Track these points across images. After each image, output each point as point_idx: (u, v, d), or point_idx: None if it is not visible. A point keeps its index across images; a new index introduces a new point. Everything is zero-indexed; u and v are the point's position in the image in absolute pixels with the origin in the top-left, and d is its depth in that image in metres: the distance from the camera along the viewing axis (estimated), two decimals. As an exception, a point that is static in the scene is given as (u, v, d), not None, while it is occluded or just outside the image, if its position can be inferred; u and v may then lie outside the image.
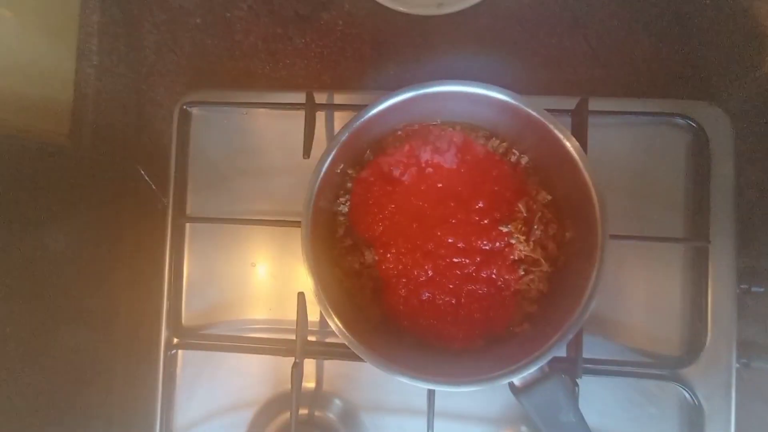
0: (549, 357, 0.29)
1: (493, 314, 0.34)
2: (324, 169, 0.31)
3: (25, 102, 0.39)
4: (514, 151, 0.36)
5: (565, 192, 0.34)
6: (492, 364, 0.30)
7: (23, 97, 0.39)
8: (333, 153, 0.31)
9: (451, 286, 0.34)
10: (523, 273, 0.34)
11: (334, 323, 0.31)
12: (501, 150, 0.36)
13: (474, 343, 0.34)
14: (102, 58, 0.45)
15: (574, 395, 0.31)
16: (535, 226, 0.34)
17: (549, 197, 0.35)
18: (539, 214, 0.35)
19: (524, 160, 0.36)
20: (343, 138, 0.31)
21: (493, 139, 0.36)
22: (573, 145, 0.31)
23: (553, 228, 0.35)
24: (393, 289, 0.34)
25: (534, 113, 0.31)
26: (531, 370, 0.29)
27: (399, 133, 0.37)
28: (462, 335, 0.33)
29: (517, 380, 0.30)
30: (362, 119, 0.31)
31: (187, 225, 0.42)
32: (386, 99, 0.31)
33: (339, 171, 0.35)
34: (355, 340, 0.30)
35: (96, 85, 0.44)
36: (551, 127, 0.31)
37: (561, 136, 0.31)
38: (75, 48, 0.44)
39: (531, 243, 0.34)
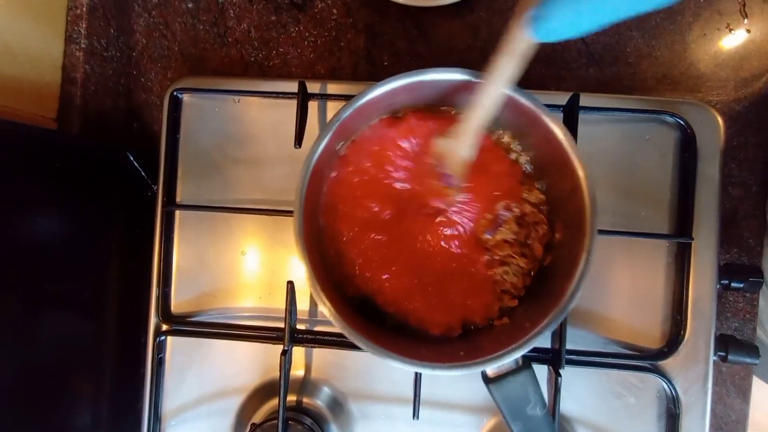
0: (524, 350, 0.30)
1: (470, 302, 0.35)
2: (319, 151, 0.31)
3: (11, 85, 0.39)
4: (514, 148, 0.36)
5: (559, 192, 0.34)
6: (470, 352, 0.31)
7: (10, 79, 0.39)
8: (328, 136, 0.31)
9: (434, 272, 0.34)
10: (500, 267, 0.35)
11: (325, 305, 0.31)
12: (505, 142, 0.36)
13: (452, 329, 0.34)
14: (91, 41, 0.44)
15: (541, 390, 0.32)
16: (509, 228, 0.35)
17: (542, 197, 0.36)
18: (526, 215, 0.35)
19: (523, 159, 0.36)
20: (341, 119, 0.31)
21: (498, 131, 0.36)
22: (569, 143, 0.31)
23: (542, 228, 0.35)
24: (377, 274, 0.35)
25: (530, 105, 0.31)
26: (507, 361, 0.30)
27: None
28: (442, 321, 0.34)
29: (490, 370, 0.31)
30: (355, 106, 0.31)
31: (177, 212, 0.42)
32: (381, 85, 0.31)
33: (338, 148, 0.35)
34: (346, 324, 0.30)
35: (84, 68, 0.44)
36: (545, 119, 0.31)
37: (555, 129, 0.31)
38: (63, 30, 0.43)
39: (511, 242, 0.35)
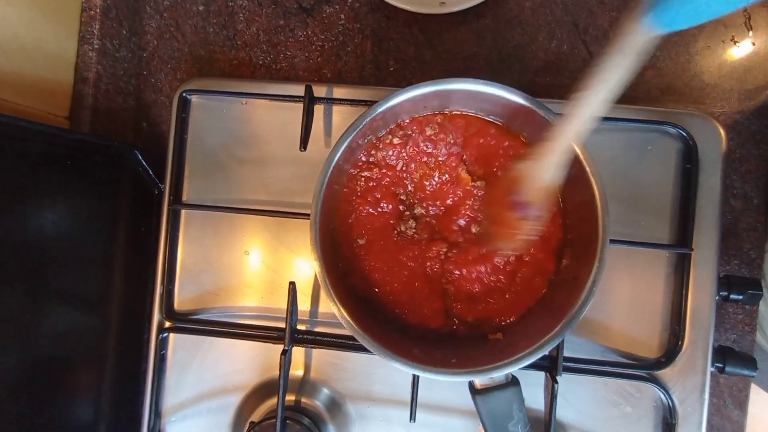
0: (518, 366, 0.30)
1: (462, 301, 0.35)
2: (339, 154, 0.32)
3: (26, 84, 0.40)
4: None
5: (573, 219, 0.35)
6: (461, 361, 0.31)
7: (25, 78, 0.40)
8: (351, 136, 0.32)
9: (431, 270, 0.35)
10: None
11: (336, 305, 0.31)
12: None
13: (446, 323, 0.35)
14: (103, 41, 0.45)
15: (525, 409, 0.32)
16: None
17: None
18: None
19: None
20: (367, 120, 0.32)
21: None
22: (586, 159, 0.31)
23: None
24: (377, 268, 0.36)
25: (549, 118, 0.31)
26: (499, 374, 0.30)
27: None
28: (426, 312, 0.35)
29: (479, 381, 0.31)
30: (382, 108, 0.32)
31: (183, 211, 0.43)
32: (402, 93, 0.32)
33: (365, 141, 0.35)
34: (356, 326, 0.31)
35: (97, 68, 0.45)
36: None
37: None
38: (77, 31, 0.44)
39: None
